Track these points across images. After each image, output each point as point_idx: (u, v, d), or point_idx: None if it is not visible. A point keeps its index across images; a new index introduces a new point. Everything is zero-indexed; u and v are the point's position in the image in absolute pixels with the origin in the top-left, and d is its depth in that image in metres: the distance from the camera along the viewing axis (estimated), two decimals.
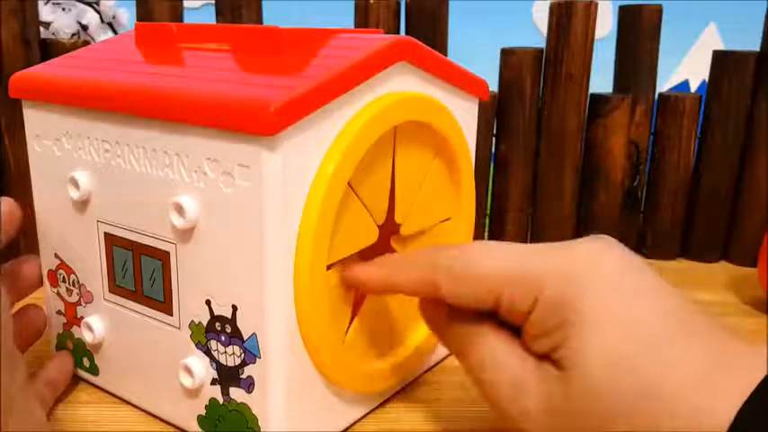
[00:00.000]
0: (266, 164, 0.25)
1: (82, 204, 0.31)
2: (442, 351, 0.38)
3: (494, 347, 0.27)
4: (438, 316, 0.29)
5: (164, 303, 0.30)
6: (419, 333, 0.35)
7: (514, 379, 0.26)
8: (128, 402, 0.33)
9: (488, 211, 0.57)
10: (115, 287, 0.32)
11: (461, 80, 0.34)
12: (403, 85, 0.30)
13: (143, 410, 0.33)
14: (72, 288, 0.33)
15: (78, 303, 0.34)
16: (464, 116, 0.35)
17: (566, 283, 0.24)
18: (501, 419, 0.26)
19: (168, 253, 0.29)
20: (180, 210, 0.27)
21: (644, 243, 0.59)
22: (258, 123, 0.24)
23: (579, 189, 0.56)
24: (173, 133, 0.27)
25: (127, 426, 0.32)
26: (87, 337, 0.33)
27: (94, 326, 0.33)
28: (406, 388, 0.36)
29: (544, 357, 0.25)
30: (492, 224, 0.57)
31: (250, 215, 0.26)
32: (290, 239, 0.26)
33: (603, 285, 0.24)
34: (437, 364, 0.38)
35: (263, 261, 0.26)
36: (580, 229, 0.57)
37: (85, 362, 0.34)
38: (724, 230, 0.57)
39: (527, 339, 0.26)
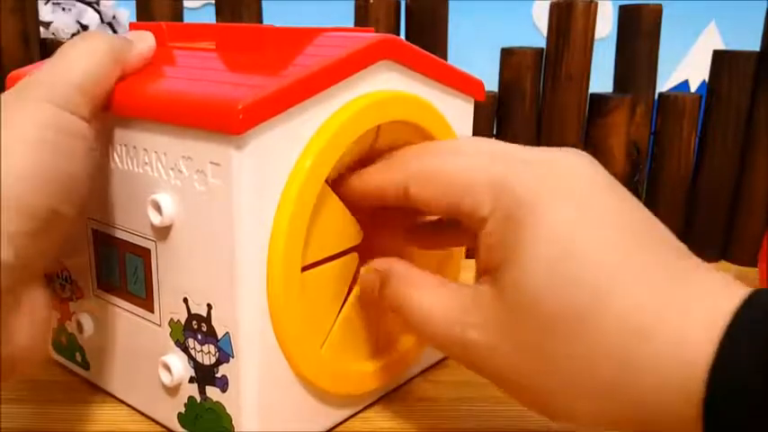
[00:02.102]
0: (236, 162, 0.25)
1: None
2: (437, 353, 0.38)
3: (425, 294, 0.27)
4: (372, 280, 0.29)
5: (145, 300, 0.30)
6: (410, 336, 0.35)
7: (450, 314, 0.26)
8: (118, 399, 0.33)
9: None
10: (102, 284, 0.32)
11: (454, 80, 0.34)
12: (388, 84, 0.30)
13: (131, 407, 0.33)
14: (65, 283, 0.34)
15: (70, 299, 0.34)
16: (457, 116, 0.34)
17: (523, 192, 0.24)
18: (459, 358, 0.26)
19: (149, 250, 0.29)
20: (157, 207, 0.27)
21: None
22: (226, 122, 0.24)
23: None
24: (151, 131, 0.27)
25: (124, 426, 0.32)
26: (77, 332, 0.33)
27: (84, 321, 0.33)
28: (405, 387, 0.36)
29: (489, 277, 0.25)
30: None
31: (222, 213, 0.26)
32: (262, 238, 0.26)
33: (558, 199, 0.24)
34: (434, 365, 0.38)
35: (235, 260, 0.26)
36: None
37: (78, 357, 0.35)
38: (724, 230, 0.57)
39: (480, 250, 0.25)
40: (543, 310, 0.23)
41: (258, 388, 0.28)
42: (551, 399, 0.23)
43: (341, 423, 0.32)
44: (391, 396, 0.35)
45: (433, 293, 0.27)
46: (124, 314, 0.31)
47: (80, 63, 0.26)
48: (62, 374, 0.36)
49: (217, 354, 0.28)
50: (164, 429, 0.31)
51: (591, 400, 0.22)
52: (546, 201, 0.24)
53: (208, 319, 0.27)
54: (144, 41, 0.30)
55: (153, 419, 0.32)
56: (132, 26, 0.35)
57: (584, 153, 0.26)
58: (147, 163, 0.28)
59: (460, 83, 0.34)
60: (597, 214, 0.23)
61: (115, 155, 0.29)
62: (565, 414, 0.24)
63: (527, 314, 0.23)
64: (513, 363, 0.24)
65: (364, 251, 0.32)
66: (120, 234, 0.30)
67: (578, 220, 0.23)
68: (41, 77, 0.26)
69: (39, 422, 0.32)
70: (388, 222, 0.33)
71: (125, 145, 0.29)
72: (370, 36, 0.30)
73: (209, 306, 0.27)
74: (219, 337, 0.27)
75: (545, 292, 0.23)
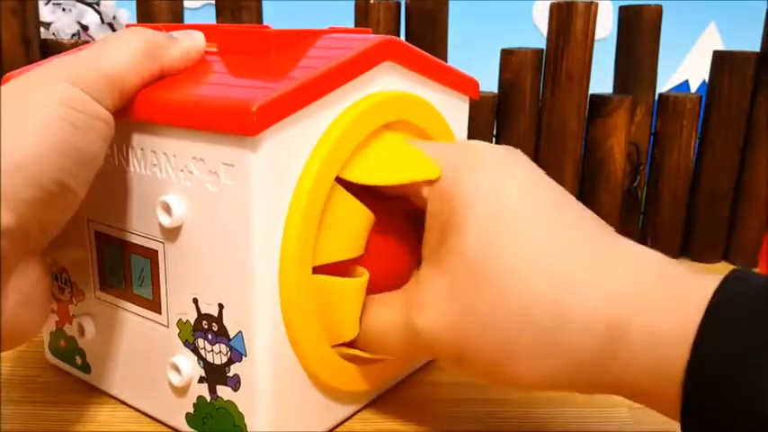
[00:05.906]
0: (250, 163, 0.25)
1: None
2: None
3: (369, 314, 0.29)
4: None
5: (152, 301, 0.30)
6: None
7: (396, 316, 0.27)
8: (119, 401, 0.33)
9: None
10: (105, 285, 0.32)
11: (450, 79, 0.34)
12: (390, 85, 0.30)
13: (134, 408, 0.33)
14: (64, 286, 0.34)
15: (70, 301, 0.34)
16: (454, 115, 0.35)
17: (452, 172, 0.26)
18: (414, 353, 0.28)
19: (156, 252, 0.29)
20: (167, 209, 0.27)
21: (644, 243, 0.59)
22: (241, 124, 0.24)
23: (579, 189, 0.56)
24: (160, 134, 0.27)
25: (125, 427, 0.32)
26: (78, 335, 0.33)
27: (85, 324, 0.33)
28: (406, 389, 0.36)
29: (429, 259, 0.26)
30: None
31: (235, 214, 0.26)
32: (275, 238, 0.27)
33: (480, 172, 0.26)
34: (431, 361, 0.38)
35: (249, 259, 0.26)
36: None
37: (78, 360, 0.34)
38: (724, 230, 0.57)
39: (425, 235, 0.27)
40: (477, 271, 0.24)
41: (271, 386, 0.28)
42: (497, 362, 0.24)
43: (347, 419, 0.33)
44: (392, 397, 0.35)
45: (376, 308, 0.29)
46: (129, 316, 0.31)
47: (110, 54, 0.27)
48: (62, 375, 0.36)
49: (228, 353, 0.28)
50: (169, 430, 0.31)
51: (532, 358, 0.23)
52: (466, 173, 0.26)
53: (219, 319, 0.28)
54: (191, 39, 0.29)
55: (159, 421, 0.32)
56: (127, 28, 0.34)
57: (516, 150, 0.28)
58: (155, 165, 0.28)
59: (456, 82, 0.35)
60: (515, 184, 0.26)
61: (121, 157, 0.29)
62: (512, 376, 0.24)
63: (465, 280, 0.24)
64: (457, 335, 0.25)
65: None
66: (125, 236, 0.30)
67: (497, 188, 0.25)
68: (71, 60, 0.26)
69: (38, 423, 0.32)
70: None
71: (132, 147, 0.29)
72: (372, 37, 0.30)
73: (221, 306, 0.27)
74: (232, 337, 0.27)
75: (477, 255, 0.24)
